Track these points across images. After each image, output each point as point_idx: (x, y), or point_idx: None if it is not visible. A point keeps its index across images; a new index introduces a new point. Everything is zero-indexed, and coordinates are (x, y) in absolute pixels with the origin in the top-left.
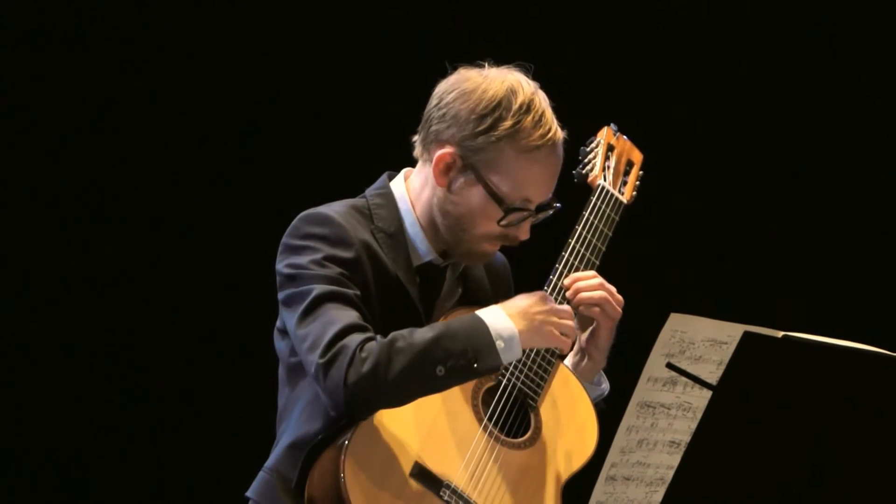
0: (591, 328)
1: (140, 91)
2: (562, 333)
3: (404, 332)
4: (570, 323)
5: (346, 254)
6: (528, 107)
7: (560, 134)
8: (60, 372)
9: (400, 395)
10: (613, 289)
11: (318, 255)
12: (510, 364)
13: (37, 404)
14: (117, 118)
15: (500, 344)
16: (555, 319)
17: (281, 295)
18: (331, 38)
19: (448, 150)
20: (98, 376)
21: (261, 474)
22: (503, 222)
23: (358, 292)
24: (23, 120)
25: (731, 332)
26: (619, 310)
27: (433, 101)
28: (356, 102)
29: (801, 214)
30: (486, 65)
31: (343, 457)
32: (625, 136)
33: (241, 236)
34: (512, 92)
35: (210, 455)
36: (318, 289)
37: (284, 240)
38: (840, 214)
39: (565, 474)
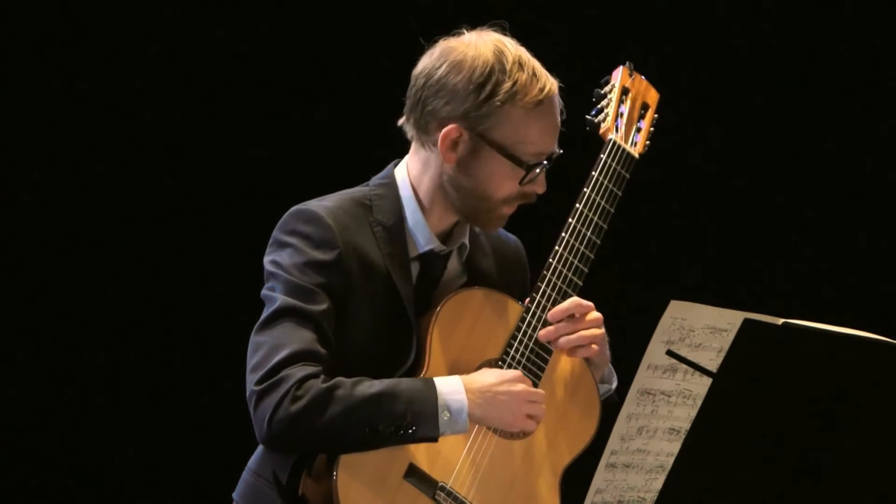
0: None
1: (137, 87)
2: (528, 416)
3: (350, 380)
4: (541, 407)
5: (326, 256)
6: (520, 64)
7: (555, 83)
8: (42, 374)
9: (323, 444)
10: (591, 315)
11: (300, 259)
12: (511, 346)
13: (17, 406)
14: (121, 115)
15: (444, 416)
16: (520, 402)
17: (263, 289)
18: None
19: (452, 125)
20: (83, 376)
21: (244, 475)
22: (525, 180)
23: (326, 306)
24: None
25: (731, 320)
26: (596, 347)
27: (420, 80)
28: (351, 91)
29: (803, 203)
30: (464, 31)
31: (336, 468)
32: (641, 76)
33: (229, 233)
34: (501, 53)
35: (197, 455)
36: (281, 300)
37: (274, 233)
38: (845, 198)
39: (565, 461)
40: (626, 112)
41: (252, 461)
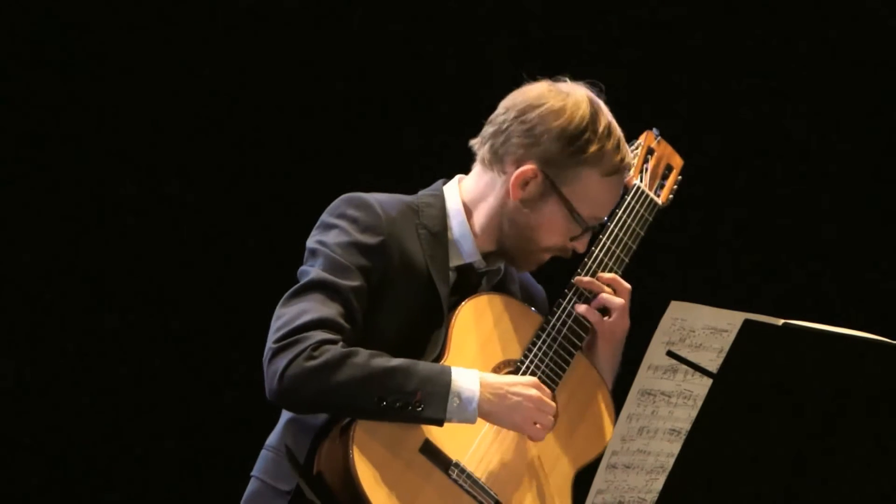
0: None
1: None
2: (535, 423)
3: (369, 351)
4: (550, 419)
5: (370, 240)
6: (609, 131)
7: (631, 160)
8: (71, 346)
9: (330, 405)
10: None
11: (344, 239)
12: (530, 351)
13: (48, 382)
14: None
15: (454, 401)
16: (531, 407)
17: (301, 268)
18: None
19: (531, 166)
20: (103, 358)
21: (263, 452)
22: (575, 238)
23: (359, 283)
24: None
25: (731, 320)
26: (608, 319)
27: (511, 112)
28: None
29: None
30: (565, 79)
31: (353, 431)
32: (666, 142)
33: (251, 229)
34: (596, 115)
35: (214, 435)
36: (315, 273)
37: (322, 216)
38: (848, 202)
39: (577, 464)
40: (650, 168)
41: (271, 438)
